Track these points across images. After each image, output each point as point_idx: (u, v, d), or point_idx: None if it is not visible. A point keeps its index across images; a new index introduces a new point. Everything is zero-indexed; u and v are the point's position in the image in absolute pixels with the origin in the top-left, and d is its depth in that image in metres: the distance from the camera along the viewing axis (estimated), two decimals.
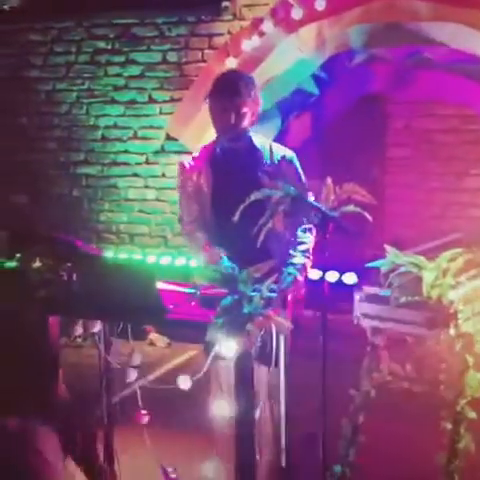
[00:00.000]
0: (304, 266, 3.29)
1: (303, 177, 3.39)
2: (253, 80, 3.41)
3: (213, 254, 3.24)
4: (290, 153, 3.42)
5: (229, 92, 3.26)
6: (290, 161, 3.40)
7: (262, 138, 3.47)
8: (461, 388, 2.93)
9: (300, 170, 3.41)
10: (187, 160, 3.45)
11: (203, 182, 3.37)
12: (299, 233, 3.34)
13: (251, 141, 3.39)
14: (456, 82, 5.12)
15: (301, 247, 3.33)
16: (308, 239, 3.35)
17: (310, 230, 3.34)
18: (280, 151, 3.41)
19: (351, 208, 2.72)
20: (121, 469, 3.37)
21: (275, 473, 3.15)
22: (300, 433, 3.13)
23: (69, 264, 2.98)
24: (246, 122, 3.30)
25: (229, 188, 3.25)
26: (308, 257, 3.32)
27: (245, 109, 3.27)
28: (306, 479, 3.05)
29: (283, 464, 3.04)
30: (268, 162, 3.36)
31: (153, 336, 5.80)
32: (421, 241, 3.99)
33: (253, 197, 2.75)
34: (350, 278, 5.27)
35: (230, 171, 3.35)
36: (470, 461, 2.96)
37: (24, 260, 3.13)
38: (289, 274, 3.22)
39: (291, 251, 3.31)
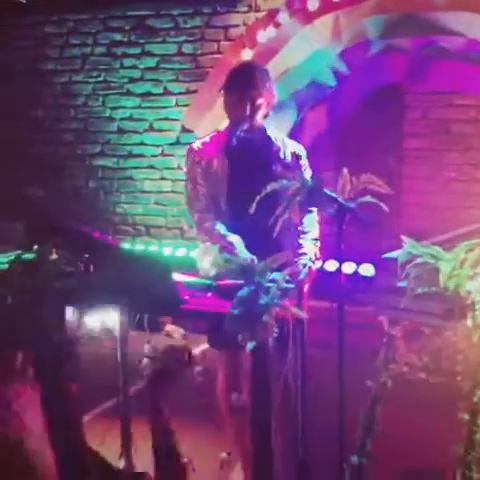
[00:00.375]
0: (315, 255, 3.29)
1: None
2: (268, 72, 3.41)
3: (224, 243, 3.23)
4: (301, 150, 3.43)
5: (244, 83, 3.26)
6: (299, 158, 3.40)
7: (275, 131, 3.47)
8: (478, 379, 2.92)
9: (308, 169, 3.41)
10: (196, 144, 3.44)
11: (217, 170, 3.35)
12: (305, 221, 3.34)
13: (266, 133, 3.39)
14: (474, 72, 5.08)
15: (310, 235, 3.34)
16: (315, 227, 3.36)
17: (313, 217, 3.35)
18: (292, 146, 3.42)
19: (368, 199, 2.71)
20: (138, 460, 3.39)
21: (292, 464, 3.15)
22: (317, 424, 3.13)
23: (87, 255, 3.00)
24: (261, 113, 3.30)
25: (245, 178, 3.24)
26: (317, 246, 3.32)
27: (260, 100, 3.27)
28: (323, 469, 3.05)
29: (300, 454, 3.04)
30: (281, 155, 3.36)
31: (169, 327, 5.80)
32: (438, 232, 3.97)
33: (270, 188, 2.75)
34: (367, 269, 5.26)
35: (246, 161, 3.34)
36: None
37: (41, 252, 3.14)
38: (304, 265, 3.22)
39: (301, 241, 3.31)
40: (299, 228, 3.34)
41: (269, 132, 3.40)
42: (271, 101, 3.35)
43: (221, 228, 3.29)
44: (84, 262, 3.01)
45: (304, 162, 3.43)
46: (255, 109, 3.27)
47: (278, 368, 2.98)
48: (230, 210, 3.32)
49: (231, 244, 3.22)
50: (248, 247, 3.14)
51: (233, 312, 2.64)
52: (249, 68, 3.43)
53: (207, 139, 3.42)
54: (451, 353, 3.03)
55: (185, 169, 3.47)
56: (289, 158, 3.38)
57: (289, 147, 3.41)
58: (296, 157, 3.40)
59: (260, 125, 3.37)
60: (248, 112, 3.26)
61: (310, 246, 3.32)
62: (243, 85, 3.26)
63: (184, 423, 3.95)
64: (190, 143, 3.49)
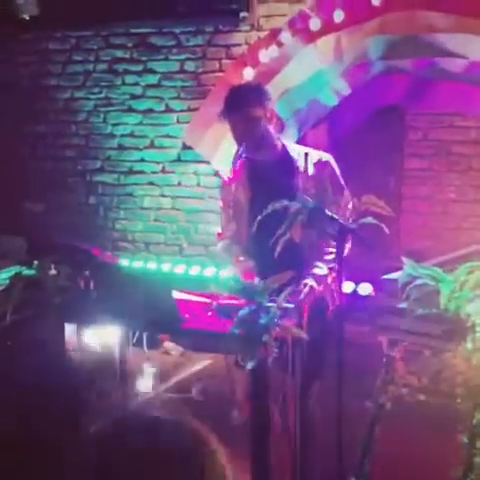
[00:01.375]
0: (324, 276, 3.26)
1: (341, 179, 3.36)
2: (261, 89, 3.43)
3: (244, 267, 3.24)
4: (326, 156, 3.41)
5: (239, 106, 3.27)
6: (325, 163, 3.38)
7: (296, 145, 3.46)
8: (478, 401, 2.91)
9: (338, 171, 3.39)
10: (227, 174, 3.46)
11: (240, 195, 3.37)
12: (328, 244, 3.31)
13: (284, 150, 3.38)
14: (475, 94, 5.10)
15: (326, 257, 3.32)
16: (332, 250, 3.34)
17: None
18: (316, 155, 3.40)
19: (369, 220, 2.72)
20: None
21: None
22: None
23: (87, 272, 3.00)
24: (268, 131, 3.30)
25: (263, 200, 3.22)
26: (330, 268, 3.29)
27: (260, 118, 3.27)
28: None
29: (298, 474, 3.03)
30: (302, 169, 3.34)
31: (167, 345, 5.80)
32: (438, 253, 3.98)
33: (271, 208, 2.76)
34: (365, 289, 5.26)
35: (264, 182, 3.33)
36: None
37: (42, 268, 3.14)
38: (305, 284, 3.21)
39: (316, 262, 3.28)
40: (318, 250, 3.30)
41: (289, 148, 3.40)
42: (273, 117, 3.36)
43: (240, 255, 3.32)
44: (84, 279, 3.02)
45: (333, 165, 3.39)
46: (258, 128, 3.27)
47: (277, 387, 2.98)
48: (251, 231, 3.30)
49: (245, 269, 3.23)
50: (267, 268, 3.11)
51: (233, 331, 2.65)
52: (240, 90, 3.45)
53: (235, 166, 3.41)
54: (451, 375, 3.02)
55: (221, 198, 3.50)
56: (312, 169, 3.35)
57: (313, 157, 3.38)
58: (322, 164, 3.37)
59: (274, 143, 3.37)
60: (252, 132, 3.26)
61: (320, 268, 3.28)
62: (238, 108, 3.27)
63: None
64: (223, 176, 3.51)
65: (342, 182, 3.36)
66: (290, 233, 2.65)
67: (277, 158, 3.37)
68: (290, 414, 2.99)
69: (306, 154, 3.39)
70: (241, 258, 3.32)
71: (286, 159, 3.36)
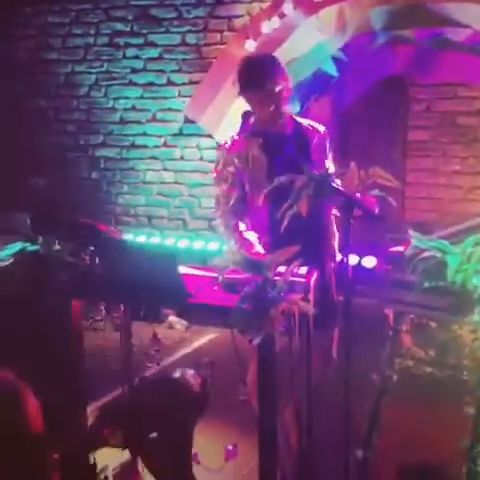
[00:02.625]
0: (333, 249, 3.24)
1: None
2: (276, 58, 3.37)
3: (245, 239, 3.22)
4: (323, 128, 3.38)
5: (257, 79, 3.20)
6: (325, 136, 3.36)
7: (301, 118, 3.42)
8: None
9: (328, 150, 3.37)
10: (227, 143, 3.40)
11: (254, 167, 3.31)
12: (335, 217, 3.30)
13: (295, 123, 3.35)
14: (479, 64, 5.06)
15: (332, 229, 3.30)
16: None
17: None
18: (317, 128, 3.37)
19: (376, 192, 2.70)
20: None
21: (297, 456, 3.15)
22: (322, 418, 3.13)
23: (92, 248, 2.99)
24: (284, 104, 3.26)
25: (272, 174, 3.18)
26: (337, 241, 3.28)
27: (279, 91, 3.22)
28: (328, 463, 3.04)
29: (305, 447, 3.04)
30: (309, 142, 3.31)
31: (172, 319, 5.80)
32: (443, 225, 3.97)
33: (276, 182, 2.74)
34: (370, 262, 5.25)
35: (276, 155, 3.28)
36: None
37: (46, 244, 3.13)
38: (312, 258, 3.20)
39: (325, 234, 3.26)
40: (327, 224, 3.28)
41: (299, 121, 3.37)
42: (289, 86, 3.31)
43: (242, 226, 3.28)
44: (89, 254, 3.00)
45: (326, 143, 3.37)
46: (278, 102, 3.23)
47: (285, 361, 2.98)
48: (269, 207, 3.27)
49: (247, 240, 3.20)
50: (276, 242, 3.08)
51: (240, 306, 2.63)
52: (256, 61, 3.37)
53: (237, 136, 3.36)
54: (457, 347, 3.02)
55: (216, 168, 3.42)
56: (316, 142, 3.32)
57: (317, 130, 3.36)
58: (322, 139, 3.35)
59: (287, 114, 3.33)
60: (272, 108, 3.22)
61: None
62: (257, 84, 3.20)
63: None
64: (221, 143, 3.44)
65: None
66: (297, 206, 2.63)
67: (289, 131, 3.33)
68: (297, 388, 2.99)
69: (312, 126, 3.37)
70: (245, 232, 3.29)
71: (298, 132, 3.33)
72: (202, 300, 2.82)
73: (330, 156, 3.36)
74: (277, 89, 3.21)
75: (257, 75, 3.22)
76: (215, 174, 3.42)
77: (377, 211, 2.74)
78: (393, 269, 3.15)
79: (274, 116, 3.26)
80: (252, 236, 3.24)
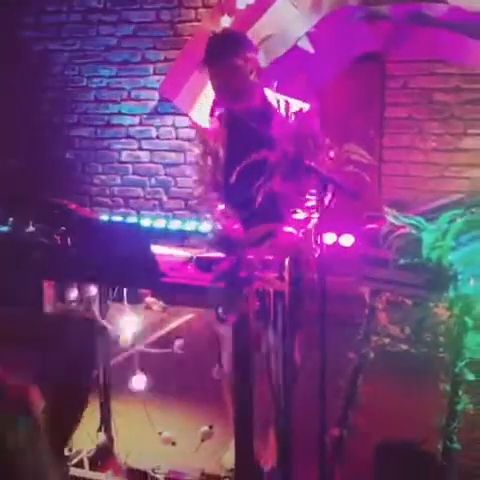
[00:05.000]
0: (304, 221, 3.21)
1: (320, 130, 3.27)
2: (242, 36, 3.33)
3: (225, 218, 3.18)
4: (307, 106, 3.33)
5: (219, 55, 3.18)
6: (306, 114, 3.30)
7: (277, 94, 3.37)
8: (459, 350, 2.91)
9: (318, 122, 3.30)
10: (204, 123, 3.39)
11: (219, 145, 3.30)
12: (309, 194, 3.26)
13: (264, 99, 3.30)
14: (456, 40, 5.02)
15: (306, 206, 3.26)
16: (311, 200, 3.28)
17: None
18: (296, 105, 3.31)
19: (350, 169, 2.67)
20: (117, 433, 3.37)
21: (273, 436, 3.15)
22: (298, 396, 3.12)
23: (63, 228, 2.95)
24: (247, 81, 3.22)
25: (242, 150, 3.15)
26: (309, 216, 3.23)
27: (239, 67, 3.19)
28: (305, 442, 3.04)
29: (282, 427, 3.03)
30: (282, 118, 3.26)
31: (149, 300, 5.75)
32: (421, 203, 3.95)
33: (250, 159, 2.71)
34: (347, 240, 5.24)
35: (244, 132, 3.24)
36: (468, 422, 2.96)
37: (17, 224, 3.08)
38: (287, 235, 3.16)
39: (295, 211, 3.22)
40: (298, 200, 3.25)
41: (268, 96, 3.31)
42: (252, 66, 3.26)
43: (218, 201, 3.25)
44: (61, 235, 2.97)
45: (313, 116, 3.27)
46: (240, 79, 3.19)
47: (260, 340, 2.96)
48: (228, 183, 3.24)
49: (224, 214, 3.17)
50: (245, 220, 3.06)
51: (214, 285, 2.61)
52: (219, 38, 3.34)
53: (214, 116, 3.32)
54: (433, 324, 3.02)
55: (197, 148, 3.40)
56: (292, 118, 3.25)
57: (293, 106, 3.30)
58: (303, 115, 3.26)
59: (254, 91, 3.28)
60: (235, 84, 3.18)
61: (300, 214, 3.22)
62: (217, 56, 3.18)
63: (166, 397, 3.95)
64: (200, 125, 3.43)
65: (320, 133, 3.28)
66: (270, 184, 2.60)
67: (256, 108, 3.29)
68: (272, 366, 2.98)
69: (287, 102, 3.32)
70: (222, 209, 3.26)
71: (265, 108, 3.29)
72: (176, 279, 2.80)
73: (319, 131, 3.28)
74: (237, 64, 3.17)
75: (217, 49, 3.20)
76: (197, 151, 3.41)
77: (352, 188, 2.71)
78: (369, 246, 3.13)
79: (236, 94, 3.22)
80: (231, 214, 3.19)
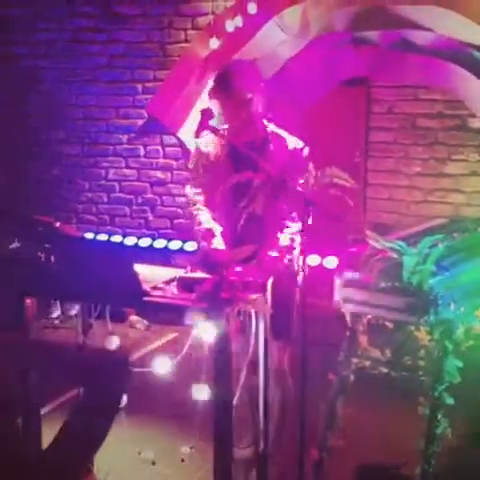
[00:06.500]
0: (288, 248, 3.23)
1: (312, 168, 3.27)
2: (256, 68, 3.33)
3: (209, 232, 3.17)
4: (301, 144, 3.35)
5: (233, 87, 3.16)
6: (300, 151, 3.32)
7: (275, 128, 3.38)
8: (439, 374, 2.93)
9: (309, 163, 3.33)
10: (202, 141, 3.35)
11: (219, 171, 3.25)
12: (290, 217, 3.27)
13: (264, 132, 3.30)
14: (442, 67, 5.09)
15: (288, 230, 3.28)
16: (295, 223, 3.29)
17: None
18: (292, 142, 3.33)
19: (333, 192, 2.70)
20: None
21: (253, 457, 3.15)
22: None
23: (47, 245, 2.96)
24: (254, 114, 3.22)
25: (240, 177, 3.13)
26: (292, 240, 3.25)
27: (251, 101, 3.19)
28: (284, 463, 3.04)
29: (261, 448, 3.04)
30: (275, 153, 3.27)
31: (133, 318, 5.76)
32: (404, 227, 3.99)
33: (234, 181, 2.74)
34: (331, 262, 5.26)
35: (239, 161, 3.20)
36: (447, 446, 2.98)
37: (1, 241, 3.09)
38: (270, 257, 3.18)
39: (278, 234, 3.23)
40: (281, 223, 3.26)
41: (270, 129, 3.32)
42: (261, 98, 3.28)
43: (205, 216, 3.24)
44: (45, 252, 2.97)
45: (306, 155, 3.32)
46: (245, 111, 3.19)
47: (240, 360, 2.97)
48: (226, 205, 3.23)
49: (209, 231, 3.16)
50: (232, 242, 3.06)
51: (196, 305, 2.63)
52: (234, 69, 3.33)
53: (213, 136, 3.31)
54: (413, 348, 3.04)
55: (191, 159, 3.38)
56: (286, 154, 3.28)
57: (290, 143, 3.32)
58: (296, 152, 3.31)
59: (257, 125, 3.29)
60: (240, 115, 3.19)
61: (283, 239, 3.24)
62: (230, 88, 3.17)
63: (147, 418, 3.95)
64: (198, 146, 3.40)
65: (312, 170, 3.29)
66: (253, 205, 2.63)
67: (256, 140, 3.28)
68: (253, 389, 2.99)
69: (284, 139, 3.32)
70: (209, 226, 3.24)
71: (263, 142, 3.29)
72: (158, 299, 2.81)
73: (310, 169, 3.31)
74: (249, 97, 3.18)
75: (232, 81, 3.18)
76: (191, 165, 3.40)
77: (334, 211, 2.74)
78: (350, 269, 3.16)
79: (242, 126, 3.23)
80: (215, 226, 3.19)
